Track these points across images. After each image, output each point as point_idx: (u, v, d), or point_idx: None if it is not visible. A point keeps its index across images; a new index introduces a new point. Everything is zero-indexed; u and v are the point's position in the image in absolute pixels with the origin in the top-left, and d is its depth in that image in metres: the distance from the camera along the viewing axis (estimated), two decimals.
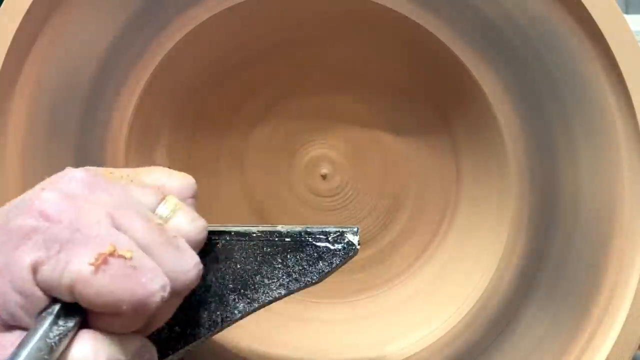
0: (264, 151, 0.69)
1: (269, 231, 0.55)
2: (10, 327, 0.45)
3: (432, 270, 0.69)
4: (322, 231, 0.55)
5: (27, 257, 0.44)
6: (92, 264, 0.44)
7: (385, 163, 0.69)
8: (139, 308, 0.45)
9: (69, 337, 0.45)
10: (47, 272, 0.44)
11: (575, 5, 0.59)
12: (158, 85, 0.63)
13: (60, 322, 0.45)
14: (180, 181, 0.54)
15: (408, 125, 0.68)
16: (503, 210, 0.64)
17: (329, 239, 0.54)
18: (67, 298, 0.45)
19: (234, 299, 0.54)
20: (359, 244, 0.54)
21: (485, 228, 0.66)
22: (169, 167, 0.66)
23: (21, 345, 0.43)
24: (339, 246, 0.54)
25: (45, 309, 0.45)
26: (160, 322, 0.49)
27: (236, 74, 0.67)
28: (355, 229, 0.55)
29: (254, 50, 0.66)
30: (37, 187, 0.48)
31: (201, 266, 0.50)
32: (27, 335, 0.44)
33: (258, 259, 0.55)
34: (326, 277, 0.55)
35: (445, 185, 0.68)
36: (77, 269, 0.44)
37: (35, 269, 0.45)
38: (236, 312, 0.54)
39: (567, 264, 0.62)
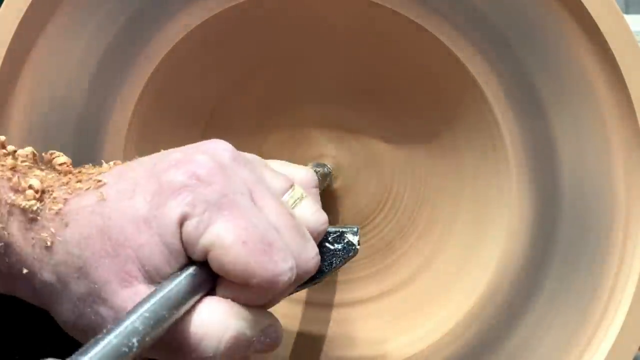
0: (265, 157, 0.69)
1: None
2: (151, 280, 0.46)
3: (433, 271, 0.69)
4: None
5: (176, 211, 0.45)
6: (231, 232, 0.45)
7: (387, 168, 0.69)
8: (268, 284, 0.46)
9: (194, 300, 0.45)
10: (190, 228, 0.45)
11: (575, 5, 0.59)
12: (157, 86, 0.63)
13: (190, 284, 0.45)
14: (304, 172, 0.56)
15: (410, 129, 0.68)
16: (504, 210, 0.64)
17: (329, 239, 0.55)
18: (199, 257, 0.46)
19: None
20: (358, 244, 0.55)
21: (486, 228, 0.66)
22: None
23: (146, 298, 0.43)
24: (339, 246, 0.55)
25: (180, 269, 0.46)
26: (280, 299, 0.50)
27: (237, 80, 0.67)
28: (355, 229, 0.55)
29: (254, 56, 0.66)
30: (185, 148, 0.49)
31: (319, 258, 0.51)
32: (154, 290, 0.44)
33: None
34: (326, 277, 0.55)
35: (446, 187, 0.68)
36: (219, 233, 0.45)
37: (181, 224, 0.46)
38: None
39: (567, 264, 0.63)
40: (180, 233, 0.46)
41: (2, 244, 0.48)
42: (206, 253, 0.46)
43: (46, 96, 0.61)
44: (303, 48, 0.66)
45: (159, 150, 0.65)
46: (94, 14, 0.60)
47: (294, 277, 0.48)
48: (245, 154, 0.52)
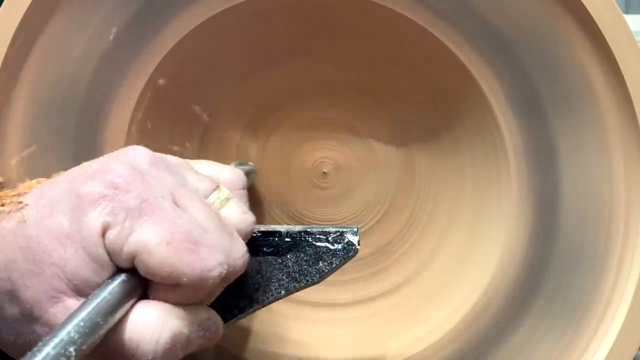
0: (265, 157, 0.70)
1: (269, 231, 0.55)
2: (81, 293, 0.46)
3: (433, 271, 0.69)
4: (322, 231, 0.55)
5: (97, 221, 0.46)
6: (155, 235, 0.45)
7: (387, 168, 0.70)
8: (198, 282, 0.46)
9: (128, 306, 0.46)
10: (112, 236, 0.46)
11: (576, 6, 0.59)
12: (157, 86, 0.64)
13: (122, 290, 0.45)
14: (231, 173, 0.56)
15: (410, 129, 0.69)
16: (504, 210, 0.64)
17: (329, 239, 0.55)
18: (126, 264, 0.46)
19: (233, 299, 0.54)
20: (358, 244, 0.55)
21: (486, 228, 0.66)
22: None
23: (79, 308, 0.43)
24: (339, 246, 0.55)
25: (109, 277, 0.46)
26: (208, 301, 0.50)
27: (237, 81, 0.67)
28: (355, 229, 0.55)
29: (254, 56, 0.66)
30: (102, 158, 0.49)
31: (247, 256, 0.51)
32: (87, 299, 0.44)
33: (258, 259, 0.55)
34: (326, 277, 0.55)
35: (447, 188, 0.69)
36: (142, 238, 0.45)
37: (104, 234, 0.46)
38: (235, 311, 0.55)
39: (567, 264, 0.63)
40: (104, 243, 0.46)
41: None
42: (132, 259, 0.46)
43: (46, 96, 0.62)
44: (304, 49, 0.66)
45: (159, 150, 0.65)
46: (94, 14, 0.61)
47: (224, 272, 0.48)
48: (168, 157, 0.52)
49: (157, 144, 0.65)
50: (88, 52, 0.61)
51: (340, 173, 0.70)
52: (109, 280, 0.46)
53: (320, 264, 0.55)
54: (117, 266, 0.46)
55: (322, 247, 0.55)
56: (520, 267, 0.64)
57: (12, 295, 0.46)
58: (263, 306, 0.55)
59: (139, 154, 0.49)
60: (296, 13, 0.63)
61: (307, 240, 0.55)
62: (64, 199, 0.47)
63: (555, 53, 0.61)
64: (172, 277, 0.46)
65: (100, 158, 0.49)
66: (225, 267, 0.48)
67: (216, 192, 0.52)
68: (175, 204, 0.48)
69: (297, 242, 0.55)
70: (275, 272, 0.55)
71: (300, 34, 0.65)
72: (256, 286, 0.55)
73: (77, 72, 0.62)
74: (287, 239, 0.55)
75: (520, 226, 0.64)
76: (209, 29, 0.62)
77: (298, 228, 0.55)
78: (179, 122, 0.66)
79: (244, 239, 0.52)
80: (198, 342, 0.49)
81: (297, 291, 0.55)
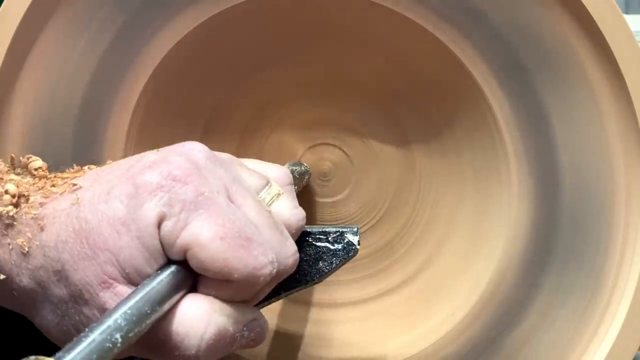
0: (266, 157, 0.70)
1: None
2: (132, 281, 0.46)
3: (433, 271, 0.69)
4: (322, 231, 0.55)
5: (153, 212, 0.46)
6: (209, 229, 0.45)
7: (388, 168, 0.70)
8: (249, 279, 0.46)
9: (176, 298, 0.46)
10: (167, 228, 0.46)
11: (575, 5, 0.59)
12: (156, 87, 0.64)
13: (172, 282, 0.46)
14: (278, 170, 0.56)
15: (410, 129, 0.69)
16: (504, 209, 0.65)
17: (329, 239, 0.55)
18: (178, 257, 0.46)
19: None
20: (358, 244, 0.55)
21: (486, 228, 0.66)
22: None
23: (129, 296, 0.43)
24: (339, 246, 0.55)
25: (160, 268, 0.46)
26: (262, 295, 0.51)
27: (238, 81, 0.67)
28: (355, 229, 0.55)
29: (254, 56, 0.66)
30: (161, 150, 0.50)
31: (298, 255, 0.51)
32: (137, 288, 0.44)
33: None
34: (326, 277, 0.55)
35: (447, 187, 0.69)
36: (196, 231, 0.45)
37: (159, 225, 0.46)
38: None
39: (568, 263, 0.63)
40: (159, 233, 0.46)
41: None
42: (185, 252, 0.46)
43: (46, 96, 0.62)
44: (303, 49, 0.66)
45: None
46: (93, 14, 0.61)
47: (275, 271, 0.48)
48: (220, 153, 0.52)
49: (157, 146, 0.66)
50: (88, 53, 0.61)
51: (340, 173, 0.70)
52: (160, 271, 0.46)
53: (320, 264, 0.55)
54: (169, 258, 0.47)
55: (322, 247, 0.55)
56: (520, 266, 0.64)
57: (61, 275, 0.46)
58: (263, 306, 0.54)
59: (196, 148, 0.50)
60: (295, 13, 0.63)
61: (307, 240, 0.55)
62: (121, 186, 0.47)
63: (555, 53, 0.61)
64: (223, 273, 0.46)
65: (159, 150, 0.50)
66: (276, 265, 0.48)
67: (267, 187, 0.53)
68: (229, 199, 0.48)
69: (297, 242, 0.54)
70: None
71: (299, 34, 0.65)
72: None
73: (77, 73, 0.62)
74: None
75: (521, 226, 0.64)
76: (208, 30, 0.62)
77: None
78: (177, 124, 0.66)
79: (294, 234, 0.53)
80: (242, 342, 0.49)
81: (297, 291, 0.55)
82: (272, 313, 0.66)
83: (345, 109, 0.69)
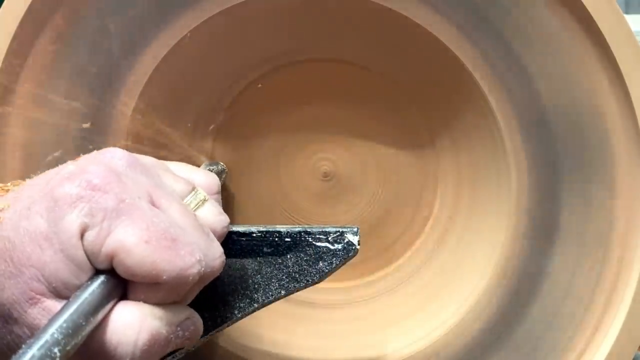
0: (266, 157, 0.71)
1: (269, 231, 0.56)
2: (60, 295, 0.46)
3: (433, 271, 0.70)
4: (322, 231, 0.56)
5: (75, 223, 0.46)
6: (133, 235, 0.45)
7: (386, 169, 0.70)
8: (178, 279, 0.47)
9: (109, 307, 0.46)
10: (90, 237, 0.46)
11: (576, 6, 0.60)
12: (158, 85, 0.64)
13: (102, 291, 0.46)
14: (207, 178, 0.57)
15: (412, 129, 0.69)
16: (503, 209, 0.65)
17: (329, 239, 0.55)
18: (105, 266, 0.46)
19: (234, 299, 0.55)
20: (358, 244, 0.55)
21: (486, 229, 0.67)
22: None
23: (62, 310, 0.43)
24: (339, 246, 0.55)
25: (90, 279, 0.46)
26: (187, 300, 0.51)
27: (239, 81, 0.68)
28: (355, 229, 0.55)
29: (257, 58, 0.67)
30: (79, 160, 0.49)
31: (224, 257, 0.51)
32: (68, 301, 0.44)
33: (258, 259, 0.55)
34: (326, 277, 0.56)
35: (447, 189, 0.69)
36: (120, 237, 0.45)
37: (82, 236, 0.46)
38: (236, 312, 0.55)
39: (567, 265, 0.63)
40: (83, 244, 0.46)
41: None
42: (111, 260, 0.46)
43: (46, 99, 0.62)
44: (304, 49, 0.67)
45: (159, 153, 0.66)
46: (93, 16, 0.61)
47: (203, 270, 0.48)
48: (143, 158, 0.52)
49: (156, 148, 0.66)
50: (88, 56, 0.62)
51: (341, 173, 0.70)
52: (89, 282, 0.46)
53: (320, 264, 0.55)
54: (96, 268, 0.47)
55: (322, 247, 0.55)
56: (520, 267, 0.64)
57: None
58: (263, 306, 0.55)
59: (117, 155, 0.50)
60: (297, 13, 0.64)
61: (307, 240, 0.55)
62: (40, 201, 0.47)
63: (554, 52, 0.61)
64: (151, 276, 0.46)
65: (77, 160, 0.49)
66: (204, 264, 0.48)
67: (192, 193, 0.53)
68: (153, 204, 0.48)
69: (297, 242, 0.55)
70: (275, 272, 0.55)
71: (300, 34, 0.65)
72: (256, 286, 0.55)
73: (77, 75, 0.62)
74: (287, 239, 0.55)
75: (520, 226, 0.64)
76: (209, 30, 0.63)
77: (298, 228, 0.56)
78: (178, 126, 0.67)
79: (219, 240, 0.52)
80: (177, 342, 0.49)
81: (297, 291, 0.56)
82: (271, 313, 0.67)
83: (347, 109, 0.69)
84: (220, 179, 0.63)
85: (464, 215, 0.69)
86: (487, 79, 0.63)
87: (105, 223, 0.46)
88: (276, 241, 0.55)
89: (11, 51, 0.61)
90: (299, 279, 0.55)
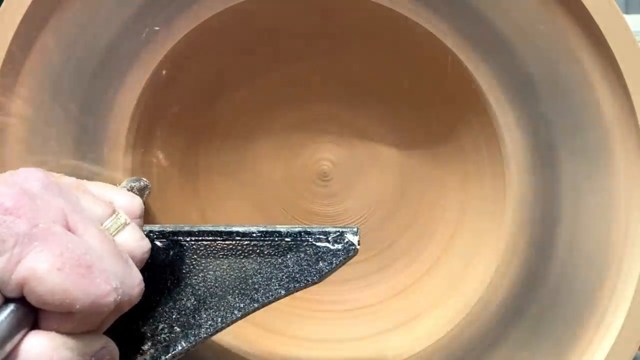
0: (266, 157, 0.72)
1: (269, 231, 0.56)
2: None
3: (434, 273, 0.70)
4: (322, 231, 0.56)
5: None
6: (45, 261, 0.44)
7: (386, 170, 0.71)
8: (92, 308, 0.45)
9: (19, 338, 0.45)
10: (1, 264, 0.44)
11: (576, 6, 0.60)
12: (157, 87, 0.64)
13: (12, 321, 0.45)
14: (130, 200, 0.56)
15: (413, 134, 0.70)
16: (505, 213, 0.65)
17: (329, 239, 0.56)
18: (14, 294, 0.45)
19: (234, 299, 0.56)
20: (358, 244, 0.56)
21: (487, 233, 0.67)
22: (168, 170, 0.67)
23: None
24: (339, 246, 0.56)
25: (2, 305, 0.45)
26: (103, 328, 0.50)
27: (239, 80, 0.68)
28: (355, 229, 0.56)
29: (257, 58, 0.68)
30: None
31: (143, 285, 0.51)
32: None
33: (258, 259, 0.56)
34: (326, 277, 0.56)
35: (448, 193, 0.70)
36: (31, 265, 0.44)
37: None
38: (236, 312, 0.56)
39: (566, 266, 0.64)
40: None
41: None
42: (22, 287, 0.45)
43: (46, 99, 0.62)
44: (305, 50, 0.67)
45: (155, 157, 0.66)
46: (91, 19, 0.62)
47: (119, 299, 0.47)
48: (62, 178, 0.52)
49: (153, 149, 0.67)
50: (87, 51, 0.62)
51: (342, 173, 0.71)
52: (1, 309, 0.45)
53: (320, 264, 0.56)
54: (5, 296, 0.45)
55: (322, 247, 0.56)
56: (521, 269, 0.65)
57: None
58: (263, 306, 0.56)
59: (31, 176, 0.48)
60: (297, 13, 0.64)
61: (307, 240, 0.56)
62: None
63: (555, 53, 0.61)
64: (64, 305, 0.45)
65: None
66: (121, 292, 0.47)
67: (113, 217, 0.52)
68: (68, 229, 0.47)
69: (297, 242, 0.56)
70: (275, 272, 0.56)
71: (301, 35, 0.66)
72: (256, 286, 0.56)
73: (77, 70, 0.62)
74: (287, 239, 0.56)
75: (521, 232, 0.64)
76: (208, 29, 0.63)
77: (298, 228, 0.56)
78: (178, 124, 0.67)
79: (138, 266, 0.52)
80: None
81: (297, 291, 0.56)
82: (271, 312, 0.67)
83: (347, 109, 0.70)
84: (143, 196, 0.63)
85: (466, 219, 0.69)
86: (490, 85, 0.63)
87: (16, 249, 0.44)
88: (276, 241, 0.56)
89: (11, 49, 0.61)
90: (299, 279, 0.56)
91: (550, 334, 0.64)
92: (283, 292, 0.56)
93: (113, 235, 0.51)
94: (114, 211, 0.52)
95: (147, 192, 0.66)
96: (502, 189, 0.65)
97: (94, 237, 0.48)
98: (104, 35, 0.62)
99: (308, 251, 0.56)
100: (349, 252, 0.56)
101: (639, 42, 0.61)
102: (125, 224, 0.52)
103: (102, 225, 0.51)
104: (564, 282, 0.64)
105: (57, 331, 0.46)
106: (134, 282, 0.49)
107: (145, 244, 0.53)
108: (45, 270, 0.44)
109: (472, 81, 0.63)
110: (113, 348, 0.50)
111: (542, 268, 0.64)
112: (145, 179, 0.66)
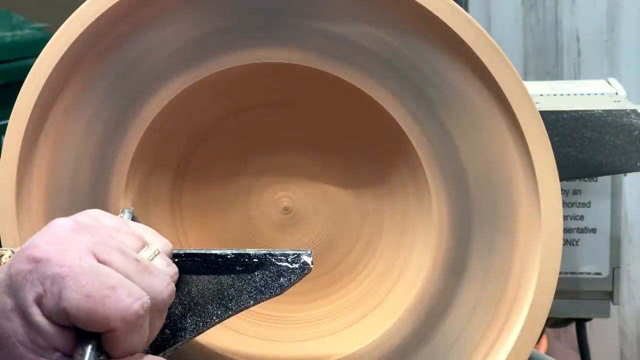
0: (240, 195, 0.76)
1: (241, 253, 0.61)
2: (37, 352, 0.51)
3: (368, 287, 0.75)
4: (283, 253, 0.61)
5: (29, 294, 0.50)
6: (77, 292, 0.49)
7: (333, 206, 0.76)
8: (126, 319, 0.50)
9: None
10: (48, 303, 0.50)
11: (487, 77, 0.65)
12: (146, 147, 0.71)
13: (88, 352, 0.51)
14: (164, 241, 0.60)
15: (358, 176, 0.74)
16: (427, 240, 0.70)
17: (288, 259, 0.60)
18: (66, 322, 0.50)
19: (213, 307, 0.60)
20: (312, 264, 0.60)
21: (413, 252, 0.72)
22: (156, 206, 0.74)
23: None
24: (296, 265, 0.60)
25: (77, 346, 0.51)
26: (155, 332, 0.56)
27: (211, 136, 0.73)
28: (309, 252, 0.61)
29: (228, 117, 0.73)
30: (35, 235, 0.54)
31: (173, 286, 0.56)
32: None
33: (232, 275, 0.60)
34: (286, 290, 0.61)
35: (380, 227, 0.75)
36: (68, 297, 0.49)
37: (39, 304, 0.50)
38: (214, 317, 0.60)
39: (470, 297, 0.69)
40: (42, 310, 0.50)
41: None
42: (68, 316, 0.50)
43: (63, 164, 0.69)
44: (263, 111, 0.73)
45: (149, 201, 0.73)
46: (88, 103, 0.68)
47: (146, 304, 0.51)
48: (105, 219, 0.56)
49: (147, 192, 0.73)
50: (92, 124, 0.69)
51: (298, 208, 0.75)
52: (82, 347, 0.51)
53: (282, 280, 0.60)
54: (62, 325, 0.50)
55: (283, 266, 0.60)
56: (434, 296, 0.70)
57: None
58: (236, 313, 0.61)
59: (58, 223, 0.53)
60: (254, 84, 0.70)
61: (271, 261, 0.60)
62: (4, 280, 0.52)
63: (474, 121, 0.67)
64: (103, 324, 0.50)
65: (32, 237, 0.53)
66: (146, 299, 0.51)
67: (145, 248, 0.57)
68: (98, 259, 0.52)
69: (263, 261, 0.60)
70: (245, 285, 0.60)
71: (261, 100, 0.72)
72: (230, 297, 0.60)
73: (81, 151, 0.69)
74: (255, 259, 0.60)
75: (437, 264, 0.70)
76: (177, 108, 0.70)
77: (264, 251, 0.61)
78: (166, 175, 0.73)
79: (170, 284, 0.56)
80: None
81: (263, 301, 0.61)
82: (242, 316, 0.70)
83: (305, 155, 0.75)
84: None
85: (392, 249, 0.74)
86: (419, 141, 0.67)
87: (55, 287, 0.50)
88: (246, 261, 0.60)
89: (33, 115, 0.66)
90: (264, 292, 0.60)
91: (465, 335, 0.69)
92: (252, 302, 0.60)
93: (149, 261, 0.55)
94: (144, 243, 0.57)
95: (137, 219, 0.70)
96: (425, 231, 0.70)
97: (118, 260, 0.52)
98: (100, 116, 0.68)
99: (272, 269, 0.60)
100: (304, 269, 0.60)
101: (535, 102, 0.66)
102: (155, 254, 0.57)
103: (137, 254, 0.55)
104: (466, 312, 0.69)
105: (121, 347, 0.51)
106: (162, 285, 0.54)
107: (173, 268, 0.58)
108: (78, 300, 0.49)
109: (406, 141, 0.68)
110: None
111: (450, 298, 0.69)
112: (132, 207, 0.71)
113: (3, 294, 0.51)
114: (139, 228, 0.60)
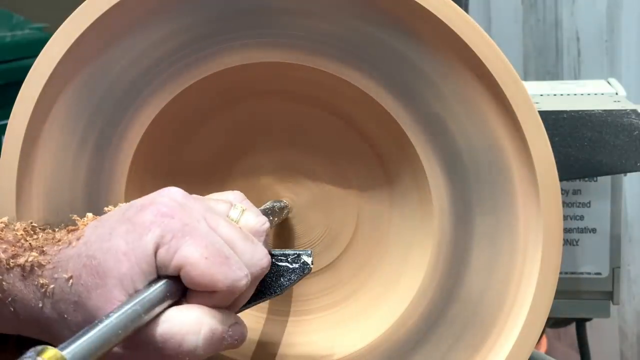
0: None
1: None
2: None
3: (366, 292, 0.76)
4: (283, 254, 0.62)
5: (150, 242, 0.54)
6: (196, 252, 0.54)
7: (332, 207, 0.76)
8: (231, 288, 0.55)
9: (166, 304, 0.55)
10: (162, 254, 0.54)
11: (490, 82, 0.66)
12: (142, 156, 0.71)
13: (164, 291, 0.54)
14: (233, 194, 0.65)
15: (353, 178, 0.75)
16: (425, 249, 0.71)
17: (288, 259, 0.61)
18: (173, 274, 0.55)
19: None
20: (312, 264, 0.61)
21: (410, 261, 0.73)
22: None
23: (127, 300, 0.52)
24: (296, 265, 0.61)
25: (153, 281, 0.55)
26: (242, 302, 0.59)
27: (206, 133, 0.74)
28: (309, 252, 0.62)
29: (222, 116, 0.74)
30: (146, 197, 0.58)
31: (269, 256, 0.59)
32: (134, 294, 0.53)
33: None
34: (286, 290, 0.62)
35: (380, 226, 0.75)
36: (185, 254, 0.54)
37: (155, 252, 0.55)
38: None
39: (468, 304, 0.69)
40: (155, 259, 0.54)
41: (8, 295, 0.57)
42: (178, 271, 0.54)
43: (57, 175, 0.70)
44: (260, 111, 0.73)
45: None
46: (88, 102, 0.68)
47: (249, 282, 0.56)
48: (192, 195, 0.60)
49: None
50: (80, 152, 0.69)
51: (298, 207, 0.75)
52: (154, 283, 0.55)
53: (282, 280, 0.61)
54: (163, 275, 0.55)
55: (283, 266, 0.61)
56: (439, 287, 0.70)
57: (78, 305, 0.55)
58: (238, 312, 0.60)
59: (174, 191, 0.58)
60: (251, 79, 0.70)
61: (271, 261, 0.60)
62: (119, 227, 0.56)
63: (470, 112, 0.67)
64: (210, 286, 0.55)
65: (143, 197, 0.58)
66: (249, 277, 0.56)
67: (233, 208, 0.61)
68: (208, 225, 0.56)
69: None
70: None
71: (256, 97, 0.72)
72: None
73: (74, 169, 0.70)
74: None
75: (437, 262, 0.70)
76: (166, 121, 0.71)
77: None
78: (160, 182, 0.71)
79: (261, 236, 0.60)
80: (227, 342, 0.57)
81: (263, 301, 0.62)
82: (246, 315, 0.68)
83: (306, 153, 0.75)
84: (282, 214, 0.71)
85: (392, 248, 0.74)
86: (423, 145, 0.68)
87: (173, 242, 0.55)
88: None
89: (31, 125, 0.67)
90: (265, 292, 0.61)
91: (461, 343, 0.70)
92: (252, 302, 0.61)
93: (238, 222, 0.60)
94: (231, 204, 0.61)
95: (286, 211, 0.73)
96: (425, 223, 0.71)
97: (225, 228, 0.57)
98: (98, 120, 0.69)
99: (272, 270, 0.61)
100: (304, 270, 0.61)
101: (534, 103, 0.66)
102: (243, 210, 0.61)
103: (228, 216, 0.60)
104: (474, 297, 0.69)
105: (203, 305, 0.55)
106: (262, 256, 0.58)
107: (263, 219, 0.62)
108: (196, 258, 0.54)
109: (404, 136, 0.68)
110: (244, 326, 0.59)
111: (456, 288, 0.70)
112: (285, 201, 0.74)
113: (117, 237, 0.55)
114: (218, 195, 0.64)
